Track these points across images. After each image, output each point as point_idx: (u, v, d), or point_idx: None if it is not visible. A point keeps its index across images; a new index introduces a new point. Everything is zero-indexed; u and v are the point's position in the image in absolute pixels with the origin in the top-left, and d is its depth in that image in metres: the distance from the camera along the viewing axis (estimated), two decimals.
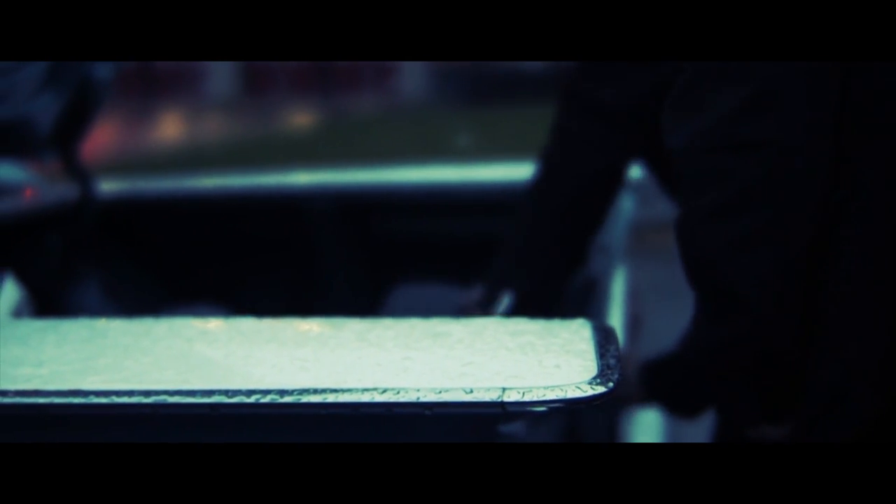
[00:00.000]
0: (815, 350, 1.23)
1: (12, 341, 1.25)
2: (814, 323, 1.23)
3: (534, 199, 1.92)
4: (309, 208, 2.83)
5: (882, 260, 1.19)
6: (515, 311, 1.84)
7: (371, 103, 17.77)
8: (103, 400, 1.06)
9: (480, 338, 1.18)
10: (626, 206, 2.46)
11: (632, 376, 1.94)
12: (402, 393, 1.04)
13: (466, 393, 1.04)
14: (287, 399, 1.05)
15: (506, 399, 1.03)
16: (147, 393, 1.06)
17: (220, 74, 19.46)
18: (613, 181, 1.90)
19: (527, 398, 1.03)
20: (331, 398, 1.04)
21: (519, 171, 2.77)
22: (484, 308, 1.87)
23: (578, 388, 1.04)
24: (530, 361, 1.10)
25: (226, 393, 1.05)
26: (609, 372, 1.07)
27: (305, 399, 1.05)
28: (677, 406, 1.86)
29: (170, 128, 16.46)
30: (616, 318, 2.01)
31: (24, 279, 2.28)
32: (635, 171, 2.25)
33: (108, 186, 2.80)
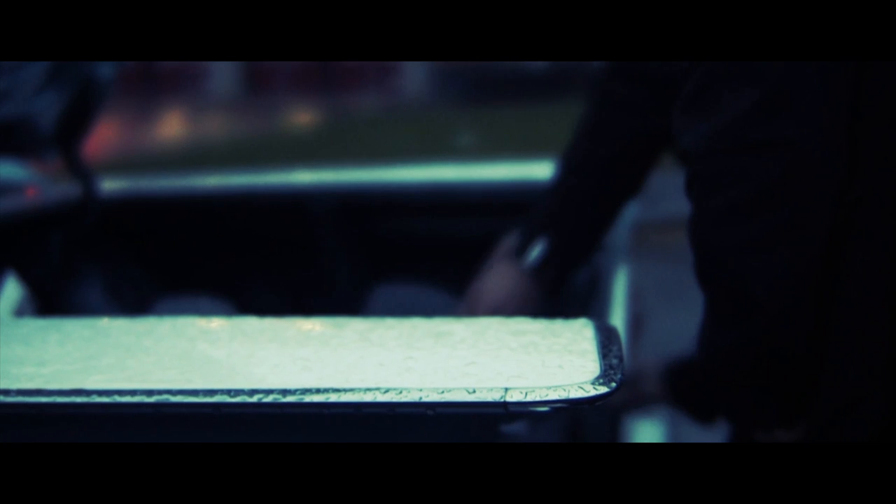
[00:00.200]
0: (829, 352, 1.22)
1: (14, 340, 1.25)
2: (827, 325, 1.22)
3: (574, 154, 1.91)
4: (311, 207, 2.83)
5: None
6: (547, 259, 1.84)
7: (373, 102, 17.77)
8: (105, 399, 1.06)
9: (483, 338, 1.18)
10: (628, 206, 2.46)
11: (653, 376, 1.94)
12: (404, 393, 1.04)
13: (469, 393, 1.04)
14: (290, 398, 1.05)
15: (508, 399, 1.03)
16: (149, 392, 1.06)
17: (222, 73, 19.48)
18: (654, 146, 1.88)
19: (529, 398, 1.03)
20: (333, 398, 1.04)
21: (521, 171, 2.78)
22: (518, 254, 1.87)
23: (581, 388, 1.04)
24: (533, 361, 1.10)
25: (228, 392, 1.05)
26: (612, 372, 1.06)
27: (308, 399, 1.05)
28: (699, 410, 1.85)
29: (172, 126, 16.47)
30: (618, 318, 2.02)
31: (27, 278, 2.28)
32: None
33: (109, 185, 2.81)
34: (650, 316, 2.63)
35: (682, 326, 1.64)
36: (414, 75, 18.52)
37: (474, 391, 1.04)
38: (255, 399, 1.05)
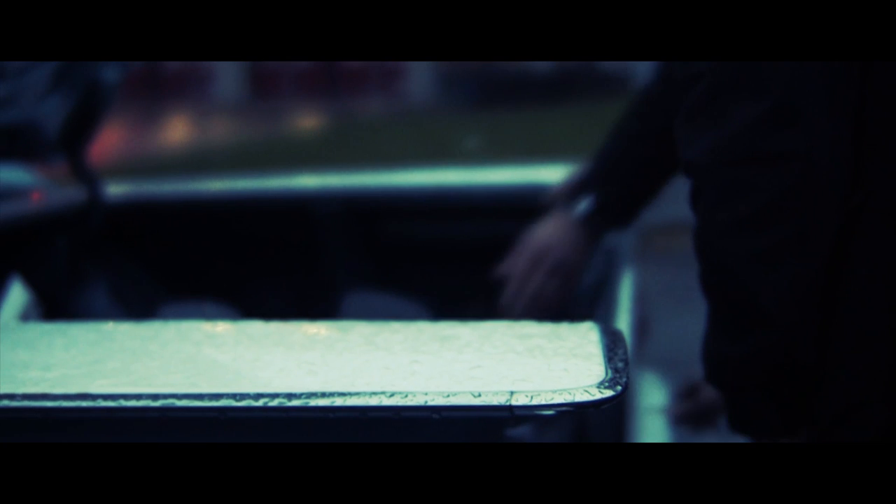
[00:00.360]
0: (832, 359, 1.22)
1: (20, 345, 1.25)
2: (831, 332, 1.22)
3: (630, 122, 1.97)
4: (316, 211, 2.83)
5: None
6: (593, 215, 1.95)
7: (378, 106, 17.79)
8: (111, 403, 1.06)
9: (489, 341, 1.18)
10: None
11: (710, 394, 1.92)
12: (410, 396, 1.04)
13: (475, 396, 1.04)
14: (295, 403, 1.05)
15: (514, 403, 1.03)
16: (155, 396, 1.06)
17: (228, 77, 19.48)
18: None
19: (535, 402, 1.03)
20: (339, 402, 1.04)
21: (527, 174, 2.78)
22: (566, 202, 1.98)
23: (587, 391, 1.04)
24: (538, 365, 1.10)
25: (234, 396, 1.05)
26: (617, 376, 1.06)
27: (313, 403, 1.05)
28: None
29: (177, 131, 16.50)
30: (624, 322, 2.01)
31: (32, 283, 2.28)
32: None
33: (115, 189, 2.81)
34: (656, 319, 2.62)
35: (687, 330, 1.64)
36: (419, 79, 18.53)
37: (480, 395, 1.04)
38: (260, 403, 1.05)
